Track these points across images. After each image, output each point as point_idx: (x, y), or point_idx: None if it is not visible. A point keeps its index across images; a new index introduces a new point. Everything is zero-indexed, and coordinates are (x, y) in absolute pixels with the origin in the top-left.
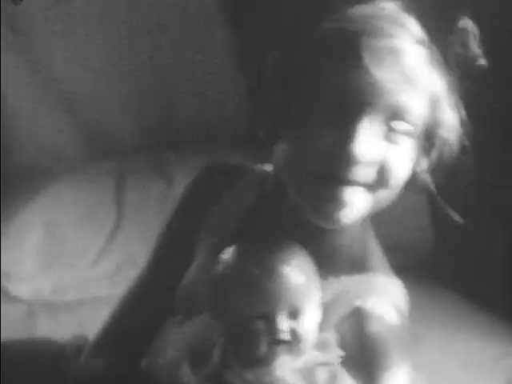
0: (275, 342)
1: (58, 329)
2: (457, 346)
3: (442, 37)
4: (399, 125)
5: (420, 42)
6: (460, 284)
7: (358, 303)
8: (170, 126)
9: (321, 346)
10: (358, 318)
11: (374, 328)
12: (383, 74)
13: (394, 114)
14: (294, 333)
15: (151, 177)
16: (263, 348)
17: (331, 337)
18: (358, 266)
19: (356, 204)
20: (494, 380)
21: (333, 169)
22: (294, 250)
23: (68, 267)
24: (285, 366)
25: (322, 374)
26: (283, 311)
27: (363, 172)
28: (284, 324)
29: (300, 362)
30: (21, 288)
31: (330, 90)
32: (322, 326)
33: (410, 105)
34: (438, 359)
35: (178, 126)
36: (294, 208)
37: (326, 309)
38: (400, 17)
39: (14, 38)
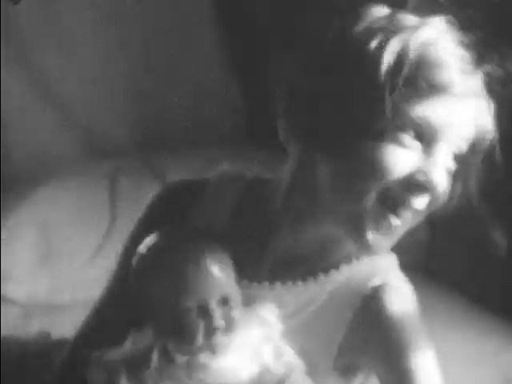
0: (212, 329)
1: (54, 330)
2: (454, 343)
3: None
4: (457, 153)
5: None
6: (456, 281)
7: (368, 285)
8: (163, 127)
9: (260, 322)
10: (375, 302)
11: (397, 308)
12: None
13: (460, 144)
14: (227, 318)
15: (145, 177)
16: (201, 337)
17: (269, 312)
18: (353, 252)
19: (400, 232)
20: (492, 376)
21: (403, 194)
22: (211, 243)
23: (62, 268)
24: (225, 349)
25: (266, 349)
26: (214, 300)
27: (424, 200)
28: (217, 311)
29: (242, 340)
30: (15, 290)
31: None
32: (335, 322)
33: (470, 133)
34: (435, 356)
35: (171, 127)
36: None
37: (334, 299)
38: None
39: (8, 41)
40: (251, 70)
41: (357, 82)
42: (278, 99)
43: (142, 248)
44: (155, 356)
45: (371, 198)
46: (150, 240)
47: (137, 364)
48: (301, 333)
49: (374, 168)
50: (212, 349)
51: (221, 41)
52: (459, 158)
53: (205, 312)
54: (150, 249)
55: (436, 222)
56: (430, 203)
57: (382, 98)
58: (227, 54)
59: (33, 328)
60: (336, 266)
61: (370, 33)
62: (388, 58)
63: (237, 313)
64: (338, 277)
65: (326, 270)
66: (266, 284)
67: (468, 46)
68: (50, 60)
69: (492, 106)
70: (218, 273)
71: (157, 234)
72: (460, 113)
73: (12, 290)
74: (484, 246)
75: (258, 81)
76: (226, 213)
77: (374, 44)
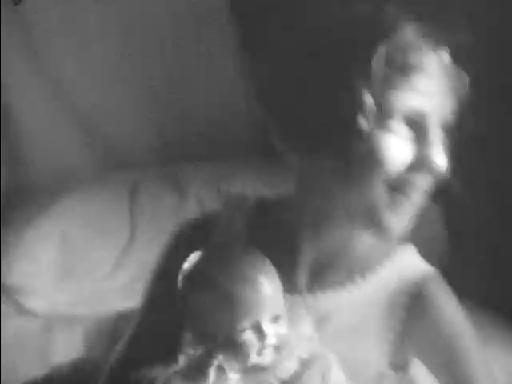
0: (265, 348)
1: (74, 343)
2: None
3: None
4: (445, 125)
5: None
6: (473, 292)
7: (409, 281)
8: (183, 139)
9: (301, 337)
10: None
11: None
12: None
13: (447, 121)
14: (279, 336)
15: (164, 189)
16: (254, 356)
17: (307, 325)
18: (381, 251)
19: (413, 212)
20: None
21: (410, 178)
22: (261, 258)
23: (83, 280)
24: (280, 367)
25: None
26: (267, 318)
27: (429, 179)
28: (270, 330)
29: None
30: (36, 302)
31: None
32: (388, 322)
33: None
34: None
35: (191, 139)
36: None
37: (379, 299)
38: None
39: (27, 52)
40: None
41: (338, 82)
42: (265, 112)
43: (189, 266)
44: (212, 372)
45: (380, 188)
46: (195, 257)
47: (193, 380)
48: (350, 334)
49: (375, 162)
50: (262, 366)
51: (241, 52)
52: (447, 129)
53: (259, 331)
54: (201, 267)
55: (454, 234)
56: (434, 179)
57: (361, 93)
58: (248, 69)
59: (54, 340)
60: (371, 268)
61: (342, 39)
62: (362, 55)
63: (285, 329)
64: (375, 278)
65: (362, 274)
66: (308, 295)
67: (429, 24)
68: (71, 73)
69: (463, 74)
70: (273, 292)
71: (205, 251)
72: (437, 88)
73: (33, 302)
74: (502, 258)
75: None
76: (241, 240)
77: (346, 46)
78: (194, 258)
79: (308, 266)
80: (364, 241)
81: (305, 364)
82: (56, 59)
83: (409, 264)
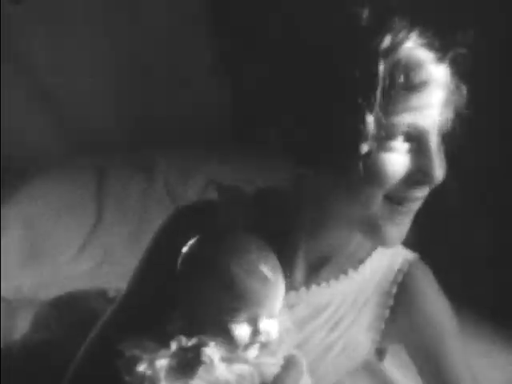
0: (254, 343)
1: None
2: None
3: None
4: (444, 132)
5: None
6: (443, 282)
7: (398, 271)
8: (150, 123)
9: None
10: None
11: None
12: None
13: (444, 129)
14: (270, 334)
15: (131, 173)
16: (242, 349)
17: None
18: (371, 246)
19: (410, 220)
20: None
21: (407, 190)
22: (271, 252)
23: (48, 264)
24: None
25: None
26: (265, 315)
27: (426, 189)
28: (265, 327)
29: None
30: (1, 285)
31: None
32: (378, 312)
33: (450, 113)
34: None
35: (158, 123)
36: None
37: (368, 289)
38: None
39: None
40: (240, 71)
41: (338, 106)
42: (268, 127)
43: (192, 250)
44: (201, 369)
45: (380, 202)
46: (198, 242)
47: (181, 372)
48: (342, 323)
49: (375, 180)
50: (246, 359)
51: (211, 42)
52: (445, 135)
53: (254, 326)
54: (206, 252)
55: (422, 223)
56: (430, 187)
57: (363, 117)
58: (217, 55)
59: (18, 323)
60: (361, 261)
61: (343, 58)
62: (362, 79)
63: (277, 329)
64: (365, 269)
65: (354, 266)
66: (303, 290)
67: (430, 39)
68: (40, 56)
69: (462, 85)
70: (278, 290)
71: (209, 236)
72: (438, 101)
73: None
74: (470, 246)
75: (246, 82)
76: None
77: (347, 68)
78: (195, 242)
79: (304, 264)
80: (355, 236)
81: (283, 367)
82: (27, 43)
83: (394, 253)
